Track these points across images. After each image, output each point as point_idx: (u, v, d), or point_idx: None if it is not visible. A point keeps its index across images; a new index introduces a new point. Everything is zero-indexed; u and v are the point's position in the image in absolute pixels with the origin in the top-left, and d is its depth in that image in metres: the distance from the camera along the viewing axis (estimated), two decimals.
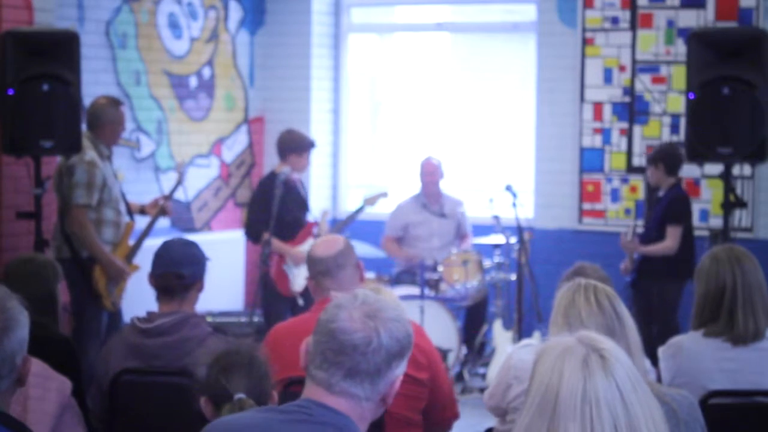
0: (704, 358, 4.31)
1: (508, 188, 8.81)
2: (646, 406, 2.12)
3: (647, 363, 3.80)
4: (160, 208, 7.74)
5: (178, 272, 4.48)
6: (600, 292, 3.34)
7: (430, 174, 9.39)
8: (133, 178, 9.21)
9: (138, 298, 7.17)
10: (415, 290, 8.77)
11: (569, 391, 2.10)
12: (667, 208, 8.18)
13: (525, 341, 4.40)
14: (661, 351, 4.42)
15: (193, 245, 4.62)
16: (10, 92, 6.92)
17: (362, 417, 2.59)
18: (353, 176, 10.92)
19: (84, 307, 7.35)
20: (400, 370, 2.61)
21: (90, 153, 7.30)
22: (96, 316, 7.35)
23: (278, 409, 2.61)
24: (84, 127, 7.45)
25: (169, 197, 7.88)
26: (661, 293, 8.07)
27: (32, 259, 5.03)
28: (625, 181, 9.54)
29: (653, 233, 8.20)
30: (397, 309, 2.64)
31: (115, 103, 7.57)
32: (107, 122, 7.43)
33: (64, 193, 7.33)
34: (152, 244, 4.93)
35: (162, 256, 4.55)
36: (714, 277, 4.36)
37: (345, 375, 2.55)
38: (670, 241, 8.09)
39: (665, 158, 8.21)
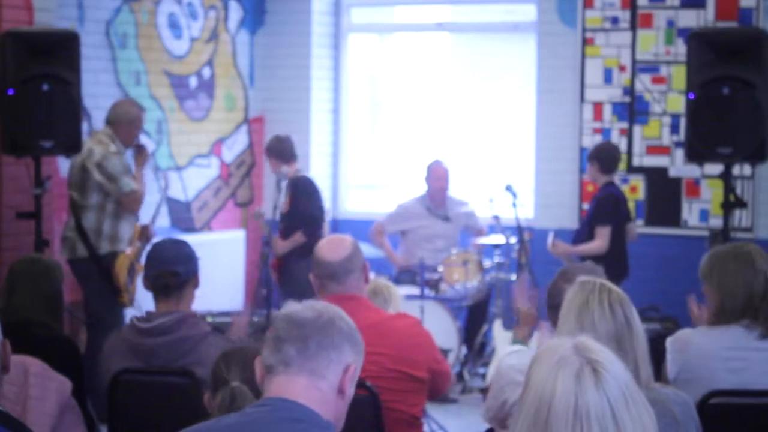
0: (711, 355, 4.30)
1: (508, 188, 8.81)
2: (638, 423, 2.12)
3: None
4: (146, 237, 7.67)
5: (173, 270, 4.49)
6: (614, 297, 3.33)
7: (440, 179, 9.36)
8: None
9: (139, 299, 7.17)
10: (415, 290, 8.77)
11: (561, 405, 2.10)
12: (595, 208, 8.21)
13: (513, 347, 4.40)
14: (669, 343, 4.40)
15: (183, 243, 4.64)
16: (10, 92, 6.93)
17: (323, 401, 2.56)
18: (353, 176, 10.91)
19: (102, 304, 7.36)
20: (351, 358, 2.61)
21: (112, 146, 7.45)
22: (116, 313, 7.34)
23: (252, 407, 2.58)
24: (98, 125, 7.57)
25: (152, 222, 7.80)
26: None
27: (39, 259, 5.11)
28: (625, 181, 9.53)
29: (584, 234, 8.22)
30: (350, 321, 2.68)
31: (137, 105, 7.78)
32: (126, 121, 7.58)
33: (98, 190, 7.39)
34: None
35: (154, 257, 4.57)
36: (752, 275, 4.31)
37: (299, 349, 2.56)
38: (598, 242, 8.12)
39: (600, 156, 8.25)
